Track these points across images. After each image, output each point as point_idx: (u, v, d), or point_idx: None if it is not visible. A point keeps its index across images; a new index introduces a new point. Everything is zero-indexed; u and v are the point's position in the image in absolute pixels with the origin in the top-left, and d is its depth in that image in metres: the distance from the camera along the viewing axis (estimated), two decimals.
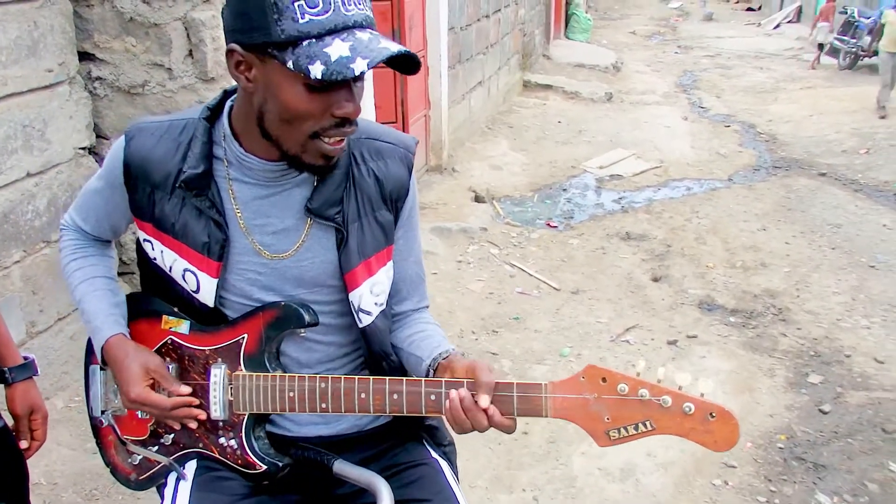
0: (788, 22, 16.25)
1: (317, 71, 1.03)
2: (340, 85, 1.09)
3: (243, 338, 1.26)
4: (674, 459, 2.81)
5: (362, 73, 1.04)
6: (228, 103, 1.23)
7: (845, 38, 11.07)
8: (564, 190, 6.07)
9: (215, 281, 1.25)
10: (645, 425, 1.08)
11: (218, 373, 1.26)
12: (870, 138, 7.06)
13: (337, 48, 1.03)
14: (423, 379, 1.18)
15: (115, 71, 2.99)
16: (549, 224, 5.33)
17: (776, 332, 3.83)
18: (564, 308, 4.06)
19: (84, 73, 2.99)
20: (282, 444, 1.31)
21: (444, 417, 1.19)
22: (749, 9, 20.06)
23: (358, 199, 1.26)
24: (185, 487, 1.27)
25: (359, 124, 1.28)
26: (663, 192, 6.03)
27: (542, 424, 2.93)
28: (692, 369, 3.45)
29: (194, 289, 1.27)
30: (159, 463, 1.34)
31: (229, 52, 1.11)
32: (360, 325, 1.29)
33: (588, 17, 13.87)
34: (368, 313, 1.29)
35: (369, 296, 1.29)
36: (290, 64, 1.05)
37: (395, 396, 1.17)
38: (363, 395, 1.18)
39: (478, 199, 5.62)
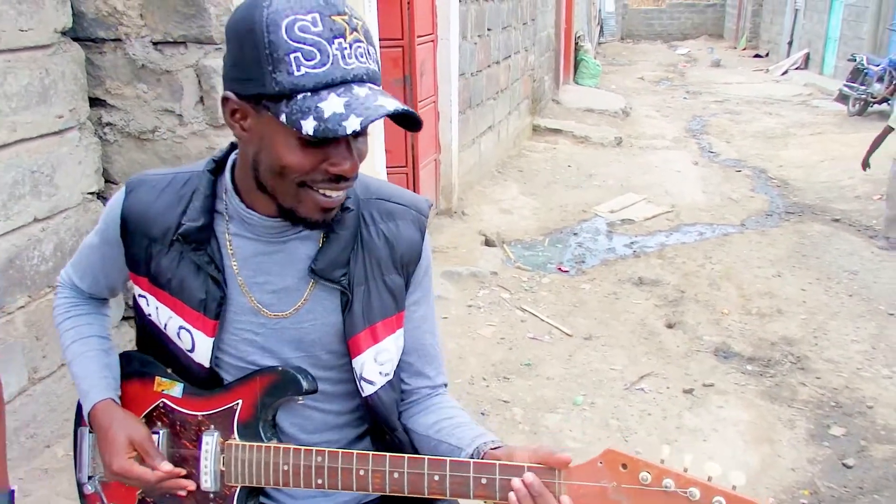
0: (796, 68, 16.35)
1: (308, 127, 0.97)
2: (338, 140, 1.03)
3: (237, 404, 1.20)
4: None
5: (355, 131, 0.98)
6: (233, 156, 1.19)
7: (854, 84, 11.09)
8: (575, 234, 6.03)
9: (211, 340, 1.20)
10: None
11: (210, 441, 1.20)
12: (883, 184, 6.99)
13: (332, 104, 0.97)
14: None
15: (125, 117, 2.99)
16: (560, 268, 5.27)
17: (795, 381, 3.73)
18: (577, 354, 3.98)
19: (94, 118, 2.98)
20: None
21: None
22: (757, 55, 20.21)
23: (366, 261, 1.20)
24: None
25: (370, 184, 1.23)
26: (675, 236, 5.97)
27: None
28: (710, 418, 3.35)
29: (189, 348, 1.21)
30: None
31: (224, 100, 1.06)
32: (363, 395, 1.22)
33: (597, 62, 14.00)
34: (371, 383, 1.22)
35: (373, 364, 1.21)
36: (282, 118, 0.99)
37: (396, 476, 1.09)
38: (362, 473, 1.11)
39: (488, 243, 5.58)
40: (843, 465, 3.05)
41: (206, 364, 1.21)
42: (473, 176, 6.71)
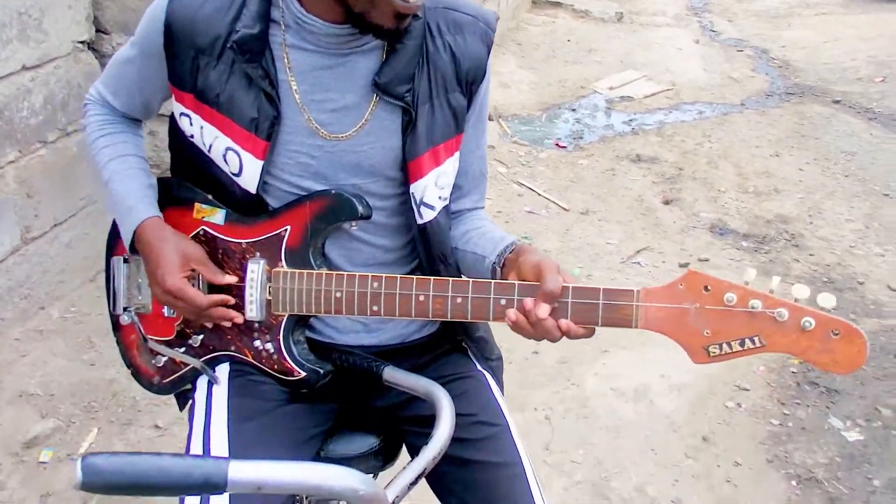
0: None
1: None
2: None
3: (286, 230, 1.14)
4: (687, 381, 2.78)
5: None
6: None
7: None
8: (573, 110, 5.90)
9: (260, 163, 1.11)
10: (753, 341, 0.97)
11: (256, 269, 1.15)
12: (886, 66, 6.85)
13: None
14: (493, 281, 1.05)
15: None
16: (557, 144, 5.19)
17: (789, 257, 3.77)
18: (574, 228, 3.97)
19: None
20: (321, 352, 1.22)
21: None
22: None
23: (431, 77, 1.12)
24: (221, 392, 1.18)
25: None
26: (675, 114, 5.87)
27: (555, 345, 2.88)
28: None
29: (235, 171, 1.14)
30: (187, 366, 1.26)
31: None
32: (420, 222, 1.16)
33: None
34: (431, 208, 1.17)
35: (433, 188, 1.16)
36: None
37: (459, 300, 1.06)
38: (422, 298, 1.07)
39: None
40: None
41: (253, 189, 1.14)
42: None
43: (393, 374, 1.16)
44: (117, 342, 1.35)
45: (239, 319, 1.17)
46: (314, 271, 1.13)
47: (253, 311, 1.16)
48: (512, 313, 1.03)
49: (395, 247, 1.23)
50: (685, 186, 4.53)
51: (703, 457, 2.46)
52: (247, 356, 1.20)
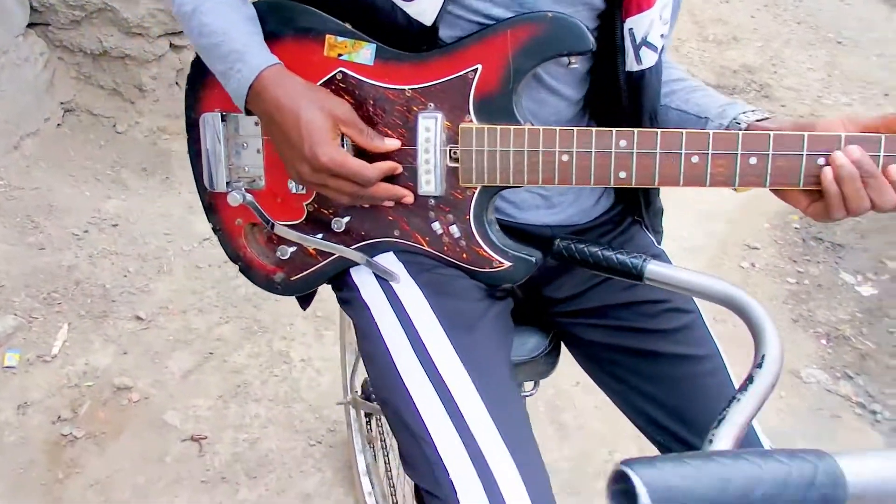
0: None
1: None
2: None
3: (475, 70, 0.83)
4: (700, 244, 2.67)
5: None
6: None
7: None
8: None
9: None
10: None
11: (432, 126, 0.84)
12: None
13: None
14: (805, 133, 0.78)
15: None
16: None
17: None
18: None
19: None
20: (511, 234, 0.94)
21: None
22: None
23: None
24: (410, 291, 0.88)
25: None
26: None
27: None
28: None
29: None
30: (327, 257, 0.94)
31: None
32: (637, 68, 0.87)
33: None
34: (654, 49, 0.87)
35: (658, 23, 0.86)
36: None
37: (755, 161, 0.79)
38: (695, 160, 0.80)
39: None
40: None
41: (431, 18, 0.82)
42: None
43: (658, 271, 0.83)
44: (215, 229, 1.00)
45: (410, 198, 0.87)
46: (523, 126, 0.83)
47: (431, 185, 0.86)
48: (844, 164, 0.76)
49: (577, 99, 0.95)
50: None
51: (731, 319, 2.37)
52: (420, 244, 0.90)
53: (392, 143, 0.85)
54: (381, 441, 1.48)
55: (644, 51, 0.87)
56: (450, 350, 0.83)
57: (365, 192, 0.84)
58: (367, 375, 1.10)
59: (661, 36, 0.89)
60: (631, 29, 0.86)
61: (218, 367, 2.03)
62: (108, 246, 2.33)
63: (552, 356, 1.08)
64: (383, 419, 1.53)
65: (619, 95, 0.90)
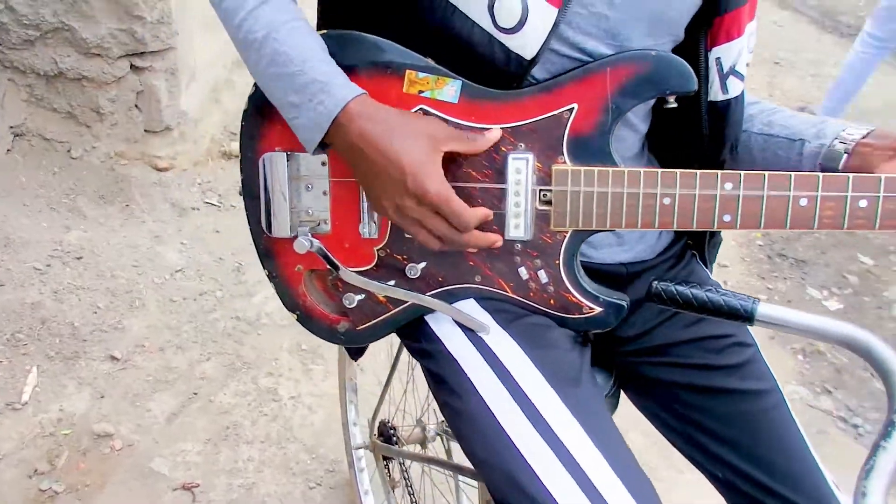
0: None
1: None
2: None
3: (570, 110, 0.80)
4: None
5: None
6: None
7: None
8: None
9: (555, 12, 0.77)
10: None
11: (522, 167, 0.81)
12: None
13: None
14: None
15: None
16: None
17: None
18: None
19: None
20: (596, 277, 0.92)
21: None
22: None
23: None
24: (503, 342, 0.84)
25: None
26: None
27: None
28: None
29: (509, 23, 0.77)
30: (399, 305, 0.89)
31: None
32: (723, 97, 0.87)
33: None
34: (741, 78, 0.88)
35: (746, 52, 0.87)
36: None
37: (864, 204, 0.78)
38: (804, 202, 0.78)
39: None
40: None
41: (532, 53, 0.79)
42: None
43: (771, 314, 0.75)
44: (271, 276, 0.93)
45: (499, 243, 0.83)
46: (622, 168, 0.81)
47: (520, 229, 0.83)
48: None
49: (645, 132, 0.95)
50: None
51: None
52: (504, 289, 0.87)
53: (495, 133, 0.81)
54: (406, 485, 1.42)
55: (731, 80, 0.87)
56: (561, 407, 0.79)
57: (459, 237, 0.80)
58: (452, 432, 1.03)
59: (747, 65, 0.88)
60: (718, 58, 0.86)
61: (204, 409, 1.92)
62: (74, 280, 2.18)
63: (615, 398, 1.06)
64: (407, 462, 1.47)
65: (699, 126, 0.89)
